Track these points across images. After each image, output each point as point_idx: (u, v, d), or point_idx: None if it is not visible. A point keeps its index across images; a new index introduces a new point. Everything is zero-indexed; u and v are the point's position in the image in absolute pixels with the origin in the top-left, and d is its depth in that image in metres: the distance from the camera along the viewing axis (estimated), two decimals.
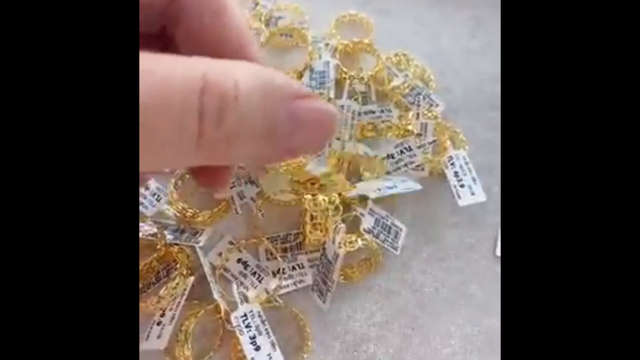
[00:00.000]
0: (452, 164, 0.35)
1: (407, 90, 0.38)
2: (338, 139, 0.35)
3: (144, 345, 0.30)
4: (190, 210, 0.34)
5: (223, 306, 0.30)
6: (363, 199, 0.34)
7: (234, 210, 0.34)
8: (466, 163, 0.35)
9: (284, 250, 0.33)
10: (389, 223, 0.34)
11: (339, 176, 0.33)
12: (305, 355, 0.31)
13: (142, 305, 0.30)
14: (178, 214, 0.34)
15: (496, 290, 0.33)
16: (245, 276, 0.33)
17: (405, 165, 0.35)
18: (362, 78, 0.38)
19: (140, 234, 0.32)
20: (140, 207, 0.33)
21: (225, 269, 0.33)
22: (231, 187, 0.34)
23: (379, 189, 0.33)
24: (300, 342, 0.31)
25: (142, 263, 0.32)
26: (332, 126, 0.19)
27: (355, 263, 0.33)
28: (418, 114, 0.36)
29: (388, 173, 0.35)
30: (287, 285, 0.32)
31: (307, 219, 0.32)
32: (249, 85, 0.17)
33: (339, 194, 0.32)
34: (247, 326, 0.29)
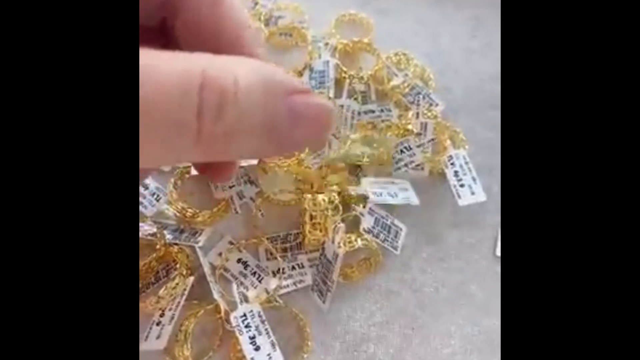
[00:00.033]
0: (452, 164, 0.35)
1: (406, 90, 0.38)
2: (337, 138, 0.35)
3: (143, 346, 0.30)
4: (189, 210, 0.34)
5: (223, 306, 0.30)
6: (363, 199, 0.34)
7: (233, 210, 0.34)
8: (466, 163, 0.35)
9: (284, 250, 0.33)
10: (388, 223, 0.33)
11: (343, 173, 0.33)
12: (305, 355, 0.31)
13: (141, 305, 0.30)
14: (178, 214, 0.34)
15: (496, 290, 0.33)
16: (245, 276, 0.33)
17: (405, 164, 0.35)
18: (362, 77, 0.38)
19: (139, 234, 0.32)
20: (140, 207, 0.33)
21: (225, 269, 0.33)
22: (230, 187, 0.34)
23: (380, 194, 0.32)
24: (300, 342, 0.31)
25: (141, 263, 0.31)
26: (330, 121, 0.19)
27: (355, 263, 0.33)
28: (418, 114, 0.36)
29: (390, 174, 0.35)
30: (287, 285, 0.32)
31: (307, 218, 0.32)
32: (249, 81, 0.17)
33: (339, 193, 0.32)
34: (247, 326, 0.29)
